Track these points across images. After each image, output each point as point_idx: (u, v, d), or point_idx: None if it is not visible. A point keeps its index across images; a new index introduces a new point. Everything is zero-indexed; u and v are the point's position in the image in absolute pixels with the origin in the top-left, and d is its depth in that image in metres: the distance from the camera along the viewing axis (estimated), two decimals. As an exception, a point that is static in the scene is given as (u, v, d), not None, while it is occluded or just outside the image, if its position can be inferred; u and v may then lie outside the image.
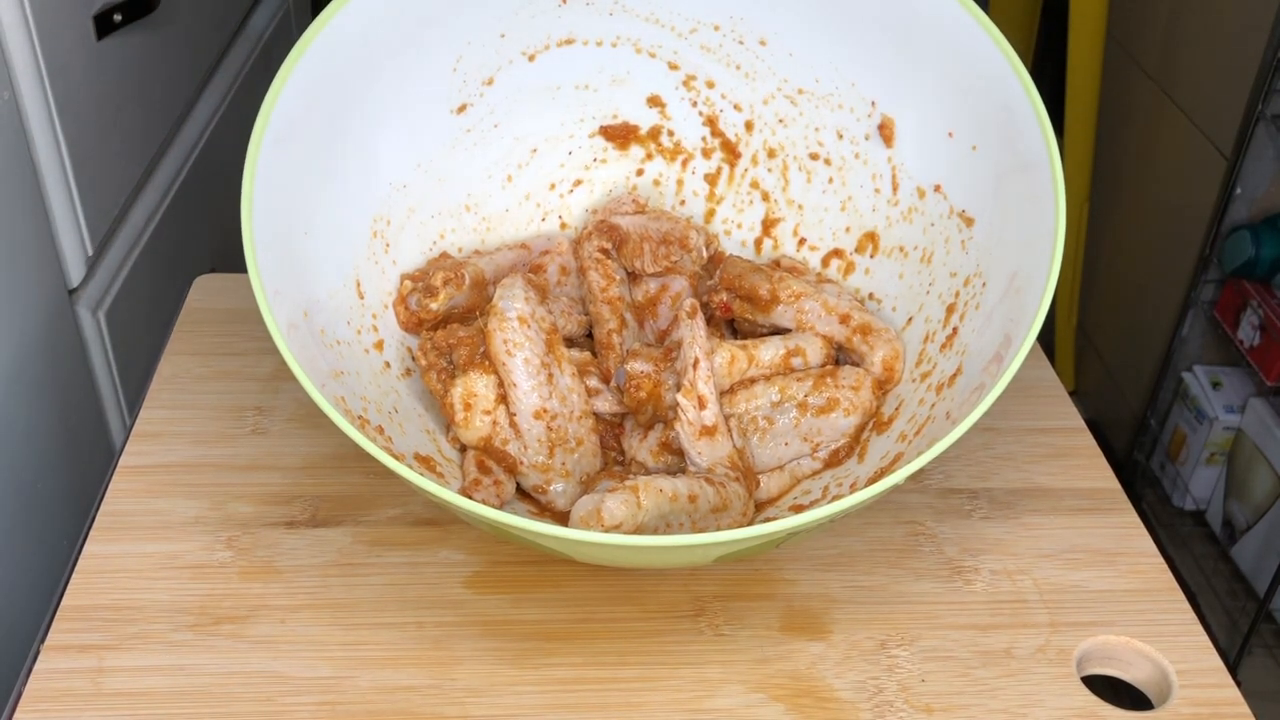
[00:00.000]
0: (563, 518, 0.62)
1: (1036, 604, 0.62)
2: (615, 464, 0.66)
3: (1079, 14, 1.61)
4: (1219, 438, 1.47)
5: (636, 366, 0.64)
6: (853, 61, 0.69)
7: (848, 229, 0.72)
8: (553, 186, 0.75)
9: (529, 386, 0.62)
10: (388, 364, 0.65)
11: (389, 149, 0.68)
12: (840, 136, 0.71)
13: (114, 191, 0.98)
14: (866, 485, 0.53)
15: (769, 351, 0.66)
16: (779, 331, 0.68)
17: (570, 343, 0.68)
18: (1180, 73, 1.51)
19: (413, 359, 0.66)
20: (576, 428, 0.64)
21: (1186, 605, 0.62)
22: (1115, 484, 0.69)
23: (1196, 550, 1.55)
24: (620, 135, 0.75)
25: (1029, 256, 0.58)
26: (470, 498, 0.60)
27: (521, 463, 0.62)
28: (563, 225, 0.76)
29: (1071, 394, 1.15)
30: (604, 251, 0.70)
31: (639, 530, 0.57)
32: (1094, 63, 1.64)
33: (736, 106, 0.73)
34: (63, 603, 0.59)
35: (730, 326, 0.71)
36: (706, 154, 0.75)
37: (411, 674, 0.57)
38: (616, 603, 0.61)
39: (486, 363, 0.63)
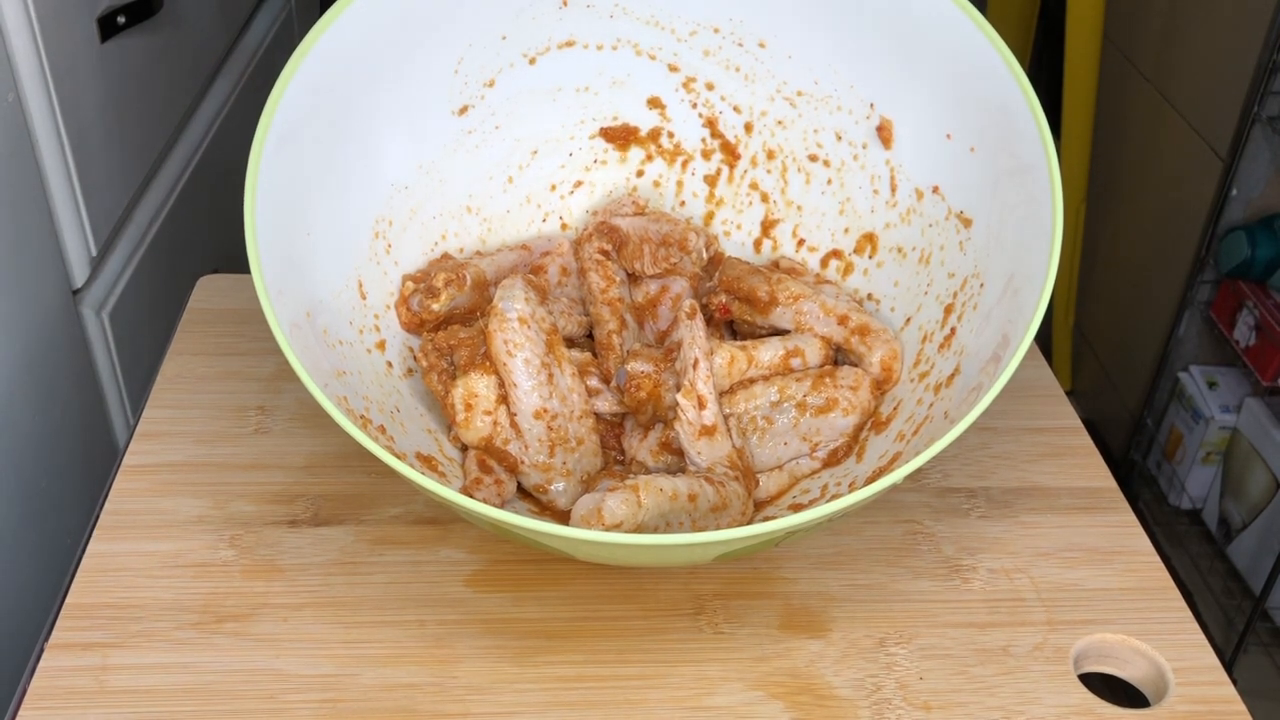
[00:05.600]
0: (563, 517, 0.63)
1: (1034, 602, 0.62)
2: (615, 463, 0.67)
3: (1076, 16, 1.62)
4: (1215, 437, 1.48)
5: (637, 367, 0.64)
6: (851, 64, 0.70)
7: (846, 230, 0.73)
8: (553, 188, 0.76)
9: (529, 386, 0.62)
10: (390, 364, 0.66)
11: (391, 150, 0.69)
12: (839, 138, 0.72)
13: (118, 192, 0.98)
14: (865, 484, 0.53)
15: (768, 352, 0.66)
16: (778, 332, 0.69)
17: (571, 343, 0.69)
18: (1177, 75, 1.52)
19: (415, 359, 0.67)
20: (577, 427, 0.64)
21: (1183, 604, 0.62)
22: (1112, 483, 0.70)
23: (1193, 549, 1.56)
24: (620, 137, 0.75)
25: (1026, 257, 0.59)
26: (471, 497, 0.60)
27: (522, 462, 0.63)
28: (563, 226, 0.76)
29: (1068, 394, 1.16)
30: (604, 253, 0.70)
31: (639, 529, 0.57)
32: (1091, 65, 1.64)
33: (736, 108, 0.74)
34: (67, 601, 0.59)
35: (730, 328, 0.72)
36: (706, 156, 0.76)
37: (413, 672, 0.57)
38: (617, 601, 0.61)
39: (487, 363, 0.63)
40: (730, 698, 0.57)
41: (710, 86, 0.74)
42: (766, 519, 0.63)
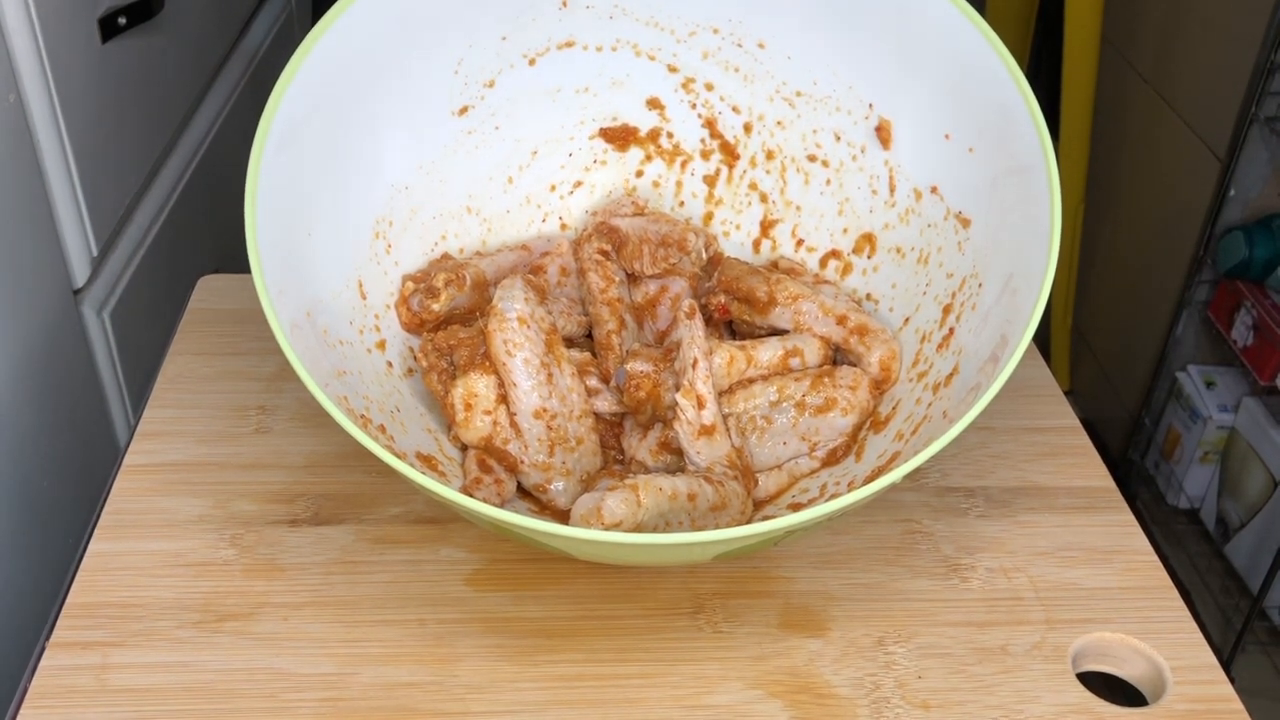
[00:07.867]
0: (563, 516, 0.63)
1: (1032, 601, 0.62)
2: (615, 463, 0.67)
3: (1074, 17, 1.62)
4: (1213, 437, 1.48)
5: (636, 367, 0.65)
6: (850, 64, 0.70)
7: (845, 230, 0.73)
8: (553, 188, 0.76)
9: (529, 386, 0.63)
10: (390, 364, 0.66)
11: (391, 151, 0.69)
12: (838, 139, 0.72)
13: (119, 193, 0.98)
14: (864, 484, 0.54)
15: (767, 352, 0.66)
16: (777, 333, 0.69)
17: (570, 343, 0.69)
18: (1175, 75, 1.52)
19: (415, 359, 0.67)
20: (576, 427, 0.64)
21: (1181, 603, 0.62)
22: (1110, 482, 0.70)
23: (1190, 548, 1.56)
24: (620, 137, 0.75)
25: (1025, 257, 0.59)
26: (471, 496, 0.60)
27: (522, 462, 0.63)
28: (563, 226, 0.76)
29: (1067, 393, 1.16)
30: (604, 253, 0.70)
31: (639, 528, 0.57)
32: (1089, 65, 1.64)
33: (735, 109, 0.74)
34: (68, 600, 0.60)
35: (729, 328, 0.72)
36: (705, 156, 0.76)
37: (413, 671, 0.57)
38: (616, 600, 0.61)
39: (487, 363, 0.63)
40: (729, 696, 0.57)
41: (709, 87, 0.74)
42: (765, 518, 0.63)
